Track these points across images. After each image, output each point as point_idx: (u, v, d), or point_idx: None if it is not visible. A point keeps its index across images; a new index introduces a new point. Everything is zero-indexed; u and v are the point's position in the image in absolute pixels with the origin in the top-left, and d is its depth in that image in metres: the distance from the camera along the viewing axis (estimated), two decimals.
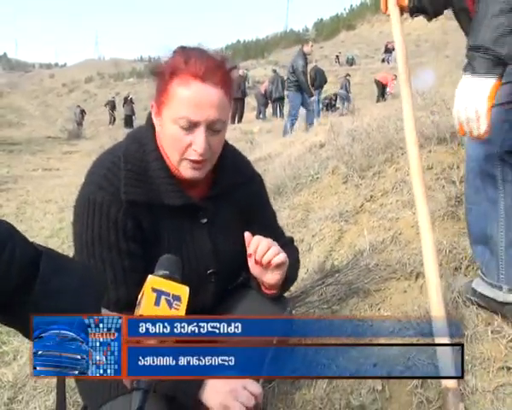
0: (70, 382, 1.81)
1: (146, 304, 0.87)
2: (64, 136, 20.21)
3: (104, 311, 0.83)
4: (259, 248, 1.29)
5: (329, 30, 68.81)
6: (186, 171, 1.28)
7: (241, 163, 1.53)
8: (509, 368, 1.46)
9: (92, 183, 1.27)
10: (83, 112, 25.93)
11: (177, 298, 0.89)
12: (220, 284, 1.46)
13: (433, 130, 3.02)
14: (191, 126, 1.21)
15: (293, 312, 1.88)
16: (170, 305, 0.87)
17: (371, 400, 1.52)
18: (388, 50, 33.47)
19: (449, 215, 2.24)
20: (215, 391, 1.23)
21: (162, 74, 1.23)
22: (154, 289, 0.88)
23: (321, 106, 17.24)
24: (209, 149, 1.25)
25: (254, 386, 1.25)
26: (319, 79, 16.44)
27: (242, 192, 1.48)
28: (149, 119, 1.35)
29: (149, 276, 0.90)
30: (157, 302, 0.87)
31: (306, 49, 9.36)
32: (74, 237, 1.30)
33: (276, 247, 1.31)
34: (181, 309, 0.88)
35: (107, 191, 1.24)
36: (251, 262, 1.36)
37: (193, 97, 1.19)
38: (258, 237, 1.31)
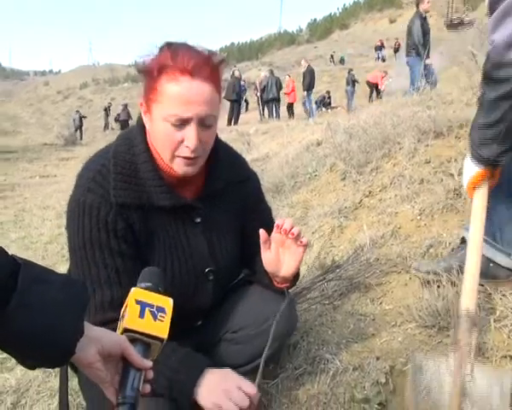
0: (73, 385, 1.81)
1: (130, 316, 0.85)
2: (60, 142, 20.17)
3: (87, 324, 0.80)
4: (286, 223, 1.30)
5: (323, 30, 68.94)
6: (179, 168, 1.27)
7: (236, 162, 1.53)
8: (511, 357, 1.46)
9: (82, 185, 1.27)
10: (82, 118, 25.85)
11: (162, 310, 0.87)
12: (218, 283, 1.46)
13: (429, 124, 3.03)
14: (182, 123, 1.20)
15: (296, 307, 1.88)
16: (154, 316, 0.86)
17: (375, 393, 1.52)
18: (378, 48, 33.72)
19: (448, 208, 2.25)
20: (208, 390, 1.23)
21: (150, 72, 1.21)
22: (137, 301, 0.86)
23: (314, 105, 17.38)
24: (201, 145, 1.24)
25: (249, 387, 1.24)
26: (312, 80, 16.57)
27: (238, 191, 1.48)
28: (140, 119, 1.34)
29: (132, 288, 0.88)
30: (141, 314, 0.85)
31: (423, 7, 8.16)
32: (68, 240, 1.30)
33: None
34: (165, 320, 0.87)
35: (96, 194, 1.24)
36: (266, 256, 1.37)
37: (182, 94, 1.18)
38: (281, 219, 1.33)
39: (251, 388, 1.24)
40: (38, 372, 2.17)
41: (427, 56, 7.86)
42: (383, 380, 1.55)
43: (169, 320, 0.87)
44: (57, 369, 1.64)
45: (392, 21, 54.95)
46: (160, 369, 1.20)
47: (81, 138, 23.78)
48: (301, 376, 1.70)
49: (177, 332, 1.48)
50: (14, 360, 2.18)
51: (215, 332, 1.53)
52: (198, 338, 1.55)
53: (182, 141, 1.22)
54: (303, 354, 1.79)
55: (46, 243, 4.61)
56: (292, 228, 1.30)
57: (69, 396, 1.53)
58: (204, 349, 1.55)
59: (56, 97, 47.91)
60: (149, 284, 0.90)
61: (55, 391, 1.95)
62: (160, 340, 0.87)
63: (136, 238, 1.29)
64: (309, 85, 16.60)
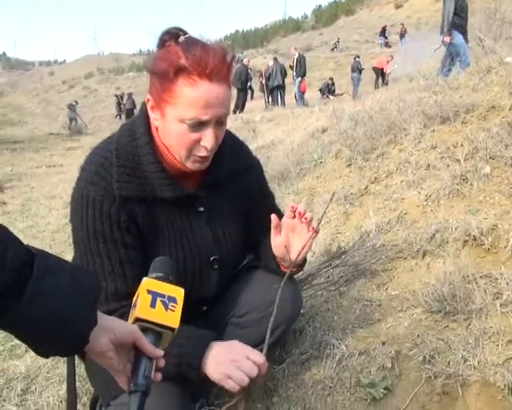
0: (82, 371, 1.83)
1: (141, 306, 0.86)
2: (66, 132, 20.22)
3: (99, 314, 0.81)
4: (300, 207, 1.32)
5: (328, 16, 68.30)
6: (193, 165, 1.28)
7: (240, 150, 1.53)
8: None
9: (85, 178, 1.27)
10: (70, 106, 25.47)
11: (173, 299, 0.88)
12: (223, 271, 1.46)
13: (436, 110, 3.00)
14: (200, 125, 1.21)
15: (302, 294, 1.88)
16: (166, 306, 0.87)
17: (381, 377, 1.53)
18: (381, 33, 33.38)
19: (454, 193, 2.24)
20: (217, 362, 1.25)
21: (165, 74, 1.20)
22: (149, 291, 0.87)
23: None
24: (216, 143, 1.26)
25: (257, 356, 1.25)
26: (303, 67, 16.47)
27: (241, 179, 1.48)
28: (142, 111, 1.34)
29: (144, 278, 0.89)
30: (152, 304, 0.86)
31: None
32: (72, 232, 1.30)
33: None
34: (177, 310, 0.88)
35: (99, 187, 1.24)
36: (276, 240, 1.38)
37: (201, 98, 1.18)
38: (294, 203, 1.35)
39: (259, 357, 1.25)
40: (47, 359, 2.20)
41: (449, 35, 7.35)
42: (389, 365, 1.56)
43: (180, 310, 0.88)
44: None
45: (398, 7, 54.28)
46: (167, 348, 1.21)
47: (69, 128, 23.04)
48: (307, 361, 1.71)
49: (183, 318, 1.50)
50: (23, 348, 2.21)
51: (221, 317, 1.54)
52: (204, 324, 1.56)
53: (198, 141, 1.23)
54: (309, 339, 1.80)
55: (53, 232, 4.64)
56: (305, 212, 1.31)
57: (77, 383, 1.55)
58: None
59: (62, 87, 47.85)
60: (160, 274, 0.91)
61: (64, 378, 1.97)
62: (171, 330, 0.88)
63: (139, 230, 1.30)
64: (303, 73, 16.50)
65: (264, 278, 1.53)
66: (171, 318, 0.87)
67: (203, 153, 1.25)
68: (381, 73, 19.20)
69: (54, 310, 0.71)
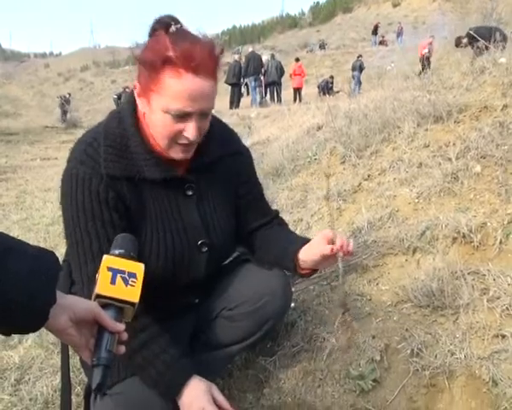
0: (75, 362, 1.85)
1: (101, 283, 0.89)
2: (61, 125, 20.13)
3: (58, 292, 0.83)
4: (345, 242, 1.36)
5: (326, 13, 68.09)
6: (176, 154, 1.30)
7: (229, 137, 1.56)
8: (503, 335, 1.49)
9: (74, 159, 1.30)
10: (61, 98, 25.27)
11: (133, 275, 0.91)
12: (212, 256, 1.47)
13: (429, 109, 3.03)
14: (183, 116, 1.23)
15: (293, 289, 1.91)
16: (126, 282, 0.90)
17: (370, 370, 1.56)
18: (375, 31, 33.18)
19: (445, 191, 2.27)
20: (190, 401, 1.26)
21: (152, 64, 1.21)
22: (109, 268, 0.90)
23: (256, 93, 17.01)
24: (199, 134, 1.28)
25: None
26: (253, 66, 16.15)
27: (229, 165, 1.50)
28: (131, 97, 1.36)
29: (104, 256, 0.92)
30: (113, 281, 0.89)
31: None
32: (62, 213, 1.32)
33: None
34: (137, 285, 0.91)
35: (87, 166, 1.27)
36: (321, 249, 1.38)
37: (185, 90, 1.19)
38: (338, 235, 1.37)
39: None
40: (41, 350, 2.22)
41: None
42: (378, 358, 1.59)
43: (140, 285, 0.91)
44: (59, 347, 1.67)
45: (395, 5, 54.28)
46: (147, 366, 1.26)
47: (65, 121, 22.81)
48: (298, 353, 1.74)
49: (176, 311, 1.51)
50: (16, 339, 2.21)
51: (212, 310, 1.56)
52: (196, 316, 1.58)
53: (181, 131, 1.25)
54: (300, 332, 1.83)
55: (48, 225, 4.63)
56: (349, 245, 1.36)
57: (71, 373, 1.57)
58: (202, 327, 1.58)
59: (57, 80, 47.62)
60: (122, 251, 0.94)
61: (58, 368, 1.99)
62: (132, 304, 0.91)
63: (127, 210, 1.31)
64: (254, 71, 16.36)
65: (255, 271, 1.55)
66: (132, 293, 0.90)
67: (185, 141, 1.27)
68: (426, 60, 17.30)
69: (14, 289, 0.73)
